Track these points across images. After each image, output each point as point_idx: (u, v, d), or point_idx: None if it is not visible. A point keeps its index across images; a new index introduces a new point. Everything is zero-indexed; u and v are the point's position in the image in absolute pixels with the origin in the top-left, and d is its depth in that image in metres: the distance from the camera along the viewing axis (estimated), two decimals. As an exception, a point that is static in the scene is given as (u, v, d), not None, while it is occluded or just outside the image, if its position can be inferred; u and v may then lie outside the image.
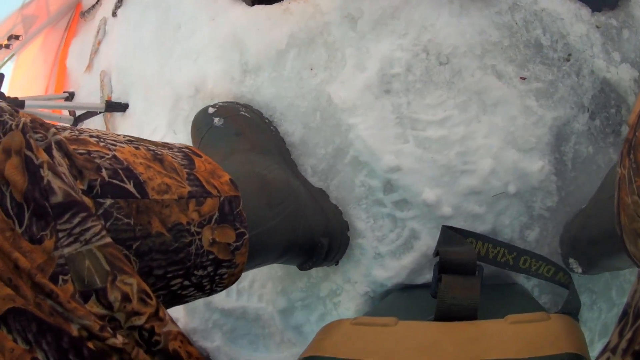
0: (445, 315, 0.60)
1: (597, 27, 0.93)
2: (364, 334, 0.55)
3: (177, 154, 0.54)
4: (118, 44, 1.19)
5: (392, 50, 0.83)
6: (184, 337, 0.45)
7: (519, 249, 0.82)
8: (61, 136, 0.42)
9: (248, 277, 0.94)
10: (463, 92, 0.83)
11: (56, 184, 0.38)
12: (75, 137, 0.44)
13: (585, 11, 0.92)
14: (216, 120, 0.85)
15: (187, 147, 0.58)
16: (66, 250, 0.37)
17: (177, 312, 0.95)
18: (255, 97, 0.89)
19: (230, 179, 0.56)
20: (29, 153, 0.38)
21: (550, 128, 0.85)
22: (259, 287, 0.95)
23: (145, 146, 0.51)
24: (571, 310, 0.77)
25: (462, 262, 0.67)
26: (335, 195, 0.86)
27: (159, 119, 1.04)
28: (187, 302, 0.56)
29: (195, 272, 0.50)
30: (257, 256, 0.63)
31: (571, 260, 0.84)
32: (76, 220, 0.38)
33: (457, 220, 0.82)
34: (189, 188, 0.50)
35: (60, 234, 0.37)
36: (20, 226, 0.36)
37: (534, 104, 0.85)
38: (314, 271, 0.90)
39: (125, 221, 0.43)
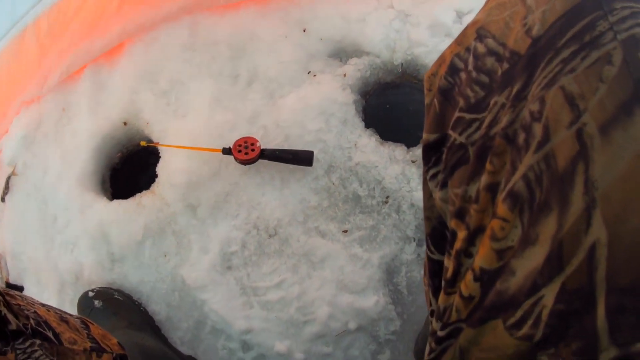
0: None
1: (413, 161, 1.09)
2: None
3: (77, 319, 0.70)
4: (9, 229, 1.29)
5: (228, 232, 0.99)
6: None
7: None
8: None
9: None
10: (292, 256, 0.98)
11: (9, 316, 0.52)
12: (6, 292, 0.59)
13: (400, 150, 1.08)
14: (96, 302, 0.99)
15: (82, 317, 0.75)
16: None
17: None
18: (124, 282, 1.03)
19: (118, 342, 0.73)
20: None
21: (379, 266, 1.00)
22: None
23: (54, 310, 0.67)
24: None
25: None
26: (204, 359, 0.99)
27: (51, 302, 1.15)
28: None
29: None
30: None
31: (425, 369, 0.99)
32: (27, 344, 0.53)
33: (309, 363, 0.97)
34: (89, 344, 0.65)
35: (18, 351, 0.52)
36: None
37: (359, 250, 1.01)
38: None
39: (51, 357, 0.57)
